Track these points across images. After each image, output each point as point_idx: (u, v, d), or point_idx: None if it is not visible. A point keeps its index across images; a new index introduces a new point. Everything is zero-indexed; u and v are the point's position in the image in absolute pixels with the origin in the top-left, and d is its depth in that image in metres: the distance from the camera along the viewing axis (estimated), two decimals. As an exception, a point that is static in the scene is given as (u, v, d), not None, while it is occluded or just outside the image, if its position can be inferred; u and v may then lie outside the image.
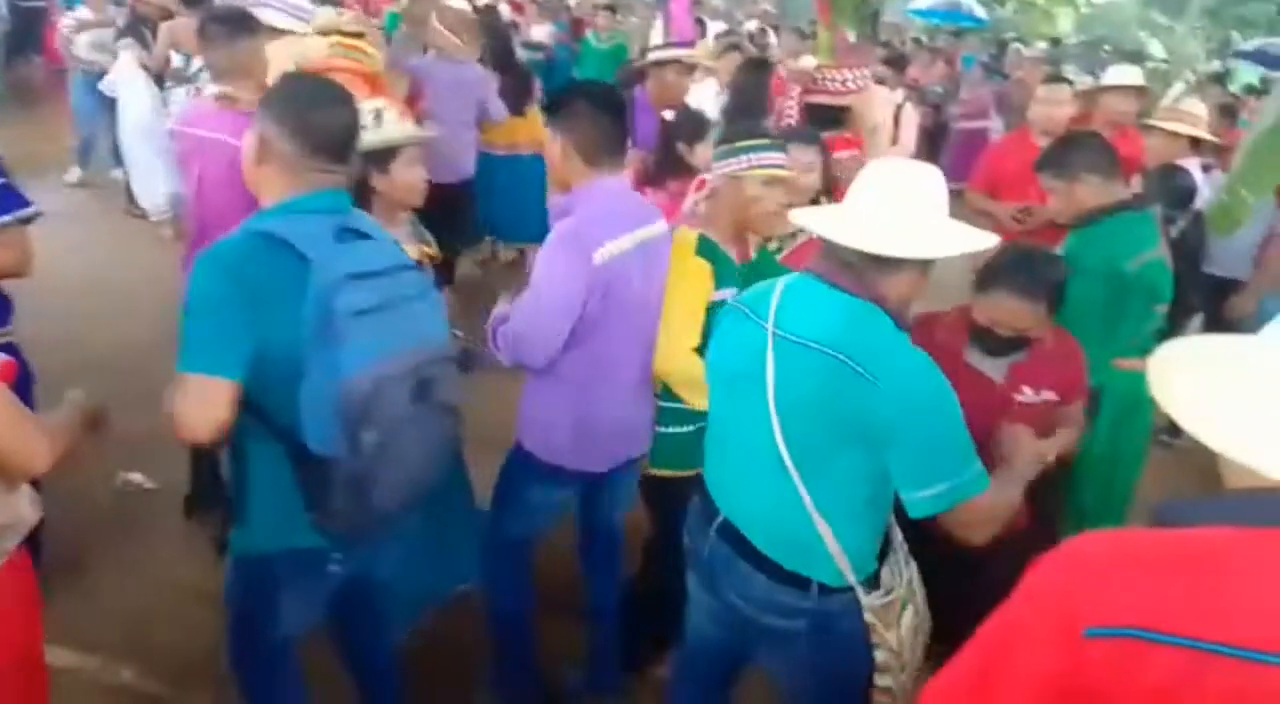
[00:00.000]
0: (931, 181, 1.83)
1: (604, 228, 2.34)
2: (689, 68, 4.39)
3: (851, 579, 1.86)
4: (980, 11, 13.24)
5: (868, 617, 1.87)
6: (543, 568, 2.81)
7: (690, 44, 4.59)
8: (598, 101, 2.41)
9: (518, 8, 9.45)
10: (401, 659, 2.48)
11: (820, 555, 1.84)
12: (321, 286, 1.75)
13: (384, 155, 2.54)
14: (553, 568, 2.91)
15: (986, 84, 9.74)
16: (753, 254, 2.76)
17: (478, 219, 5.76)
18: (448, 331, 2.07)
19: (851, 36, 4.81)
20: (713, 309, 2.53)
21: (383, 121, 2.56)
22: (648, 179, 3.49)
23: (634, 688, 2.89)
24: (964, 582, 1.89)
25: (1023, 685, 1.08)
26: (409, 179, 2.59)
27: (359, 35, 4.02)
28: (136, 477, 3.70)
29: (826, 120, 4.11)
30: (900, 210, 1.80)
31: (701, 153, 3.21)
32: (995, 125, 9.08)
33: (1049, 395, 2.47)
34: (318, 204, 1.86)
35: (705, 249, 2.58)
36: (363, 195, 2.52)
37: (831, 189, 3.26)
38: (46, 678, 2.02)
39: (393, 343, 1.83)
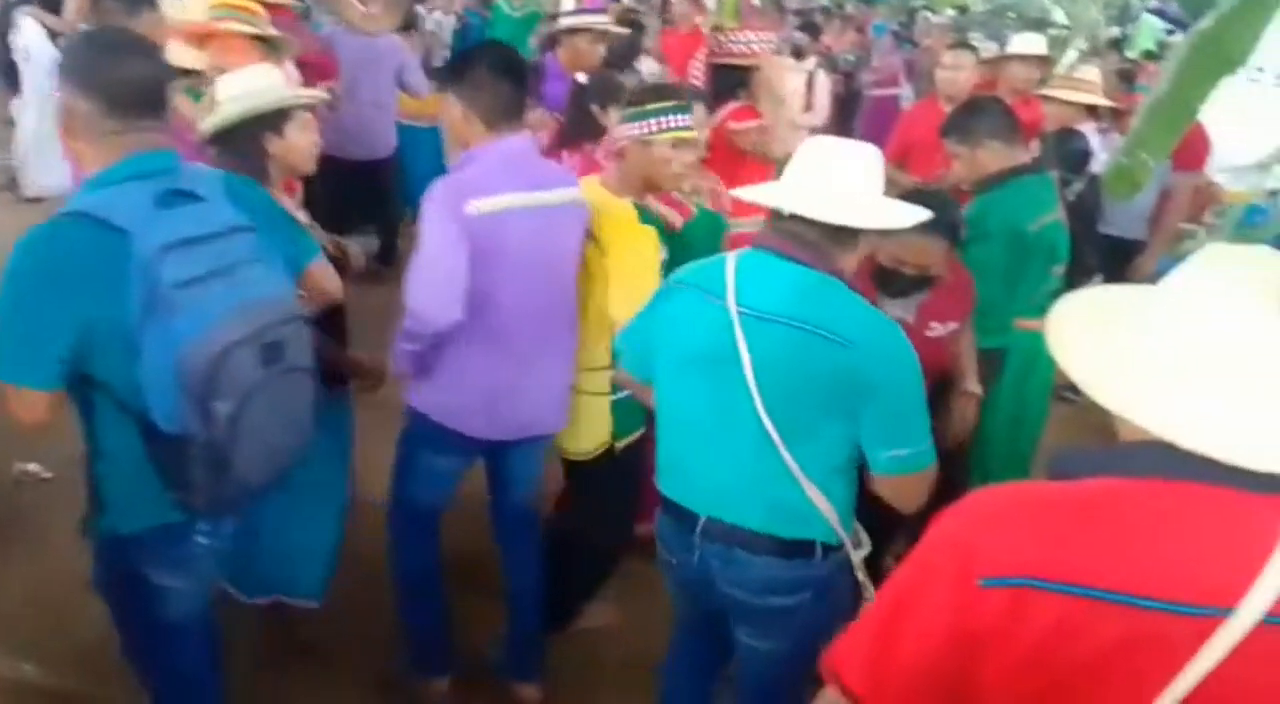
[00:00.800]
0: (874, 158, 1.91)
1: (483, 183, 2.34)
2: (601, 34, 4.37)
3: (843, 535, 1.91)
4: (889, -22, 13.37)
5: (859, 574, 1.94)
6: (467, 545, 2.80)
7: (601, 11, 4.56)
8: (497, 65, 2.39)
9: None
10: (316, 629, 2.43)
11: (816, 519, 1.88)
12: (143, 258, 1.67)
13: (276, 118, 2.46)
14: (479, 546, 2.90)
15: (897, 52, 9.86)
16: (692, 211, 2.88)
17: (399, 195, 5.64)
18: (291, 291, 2.03)
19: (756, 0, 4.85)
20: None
21: (270, 84, 2.50)
22: (562, 141, 3.48)
23: (553, 670, 2.88)
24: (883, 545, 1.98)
25: (926, 634, 1.10)
26: (302, 143, 2.51)
27: None
28: (33, 467, 3.57)
29: (732, 83, 4.12)
30: (852, 185, 1.86)
31: (614, 115, 3.21)
32: (906, 93, 9.21)
33: (953, 325, 2.66)
34: (135, 169, 1.75)
35: (645, 216, 2.64)
36: (258, 162, 2.47)
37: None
38: None
39: (229, 308, 1.76)
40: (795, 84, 6.56)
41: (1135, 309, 1.15)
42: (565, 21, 4.32)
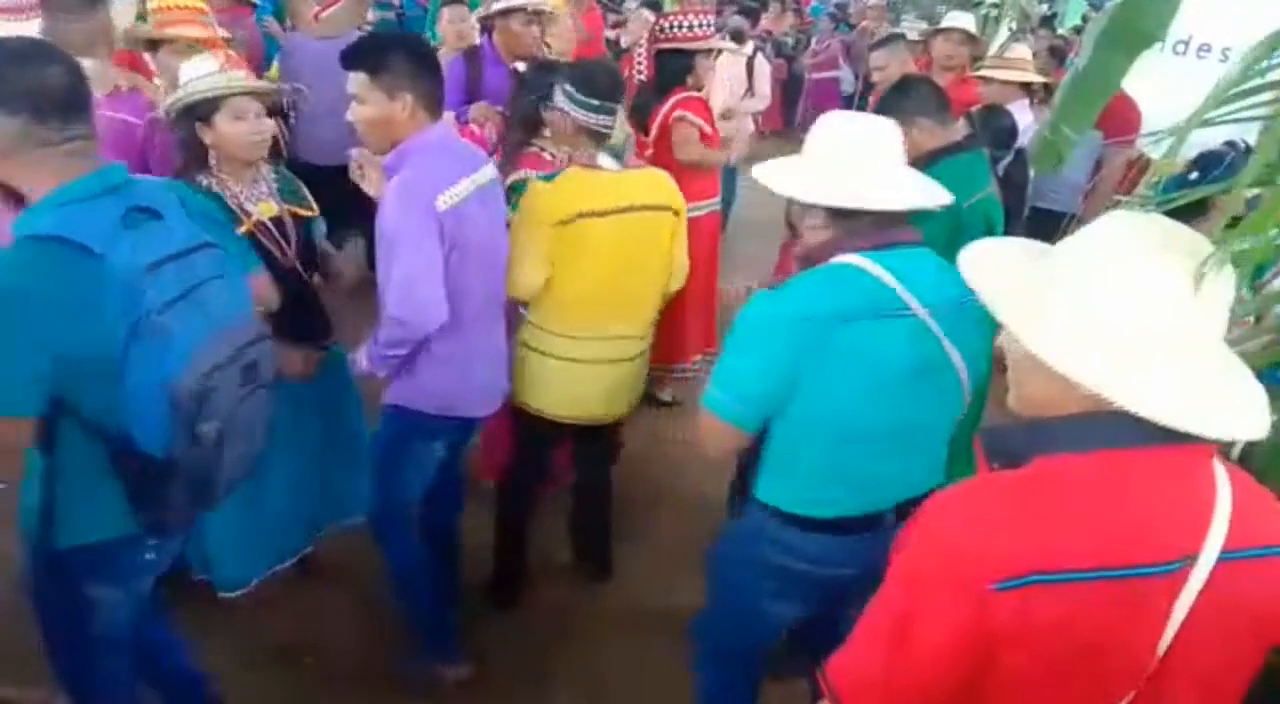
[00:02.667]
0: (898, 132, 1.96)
1: (442, 176, 2.33)
2: (534, 15, 4.28)
3: None
4: (825, -40, 13.47)
5: None
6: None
7: None
8: (423, 53, 2.39)
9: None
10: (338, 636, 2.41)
11: None
12: (122, 282, 1.64)
13: (204, 108, 2.46)
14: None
15: (834, 34, 9.96)
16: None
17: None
18: (251, 307, 2.02)
19: None
20: None
21: (197, 74, 2.49)
22: (509, 148, 3.42)
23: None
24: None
25: (937, 646, 1.12)
26: (235, 131, 2.49)
27: None
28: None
29: (678, 69, 4.15)
30: (899, 163, 1.92)
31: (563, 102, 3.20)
32: (845, 75, 9.32)
33: None
34: (93, 186, 1.69)
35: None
36: (198, 151, 2.49)
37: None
38: None
39: (207, 330, 1.75)
40: (735, 69, 6.61)
41: (1066, 281, 1.18)
42: (497, 4, 4.25)
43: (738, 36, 6.90)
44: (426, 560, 2.73)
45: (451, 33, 4.95)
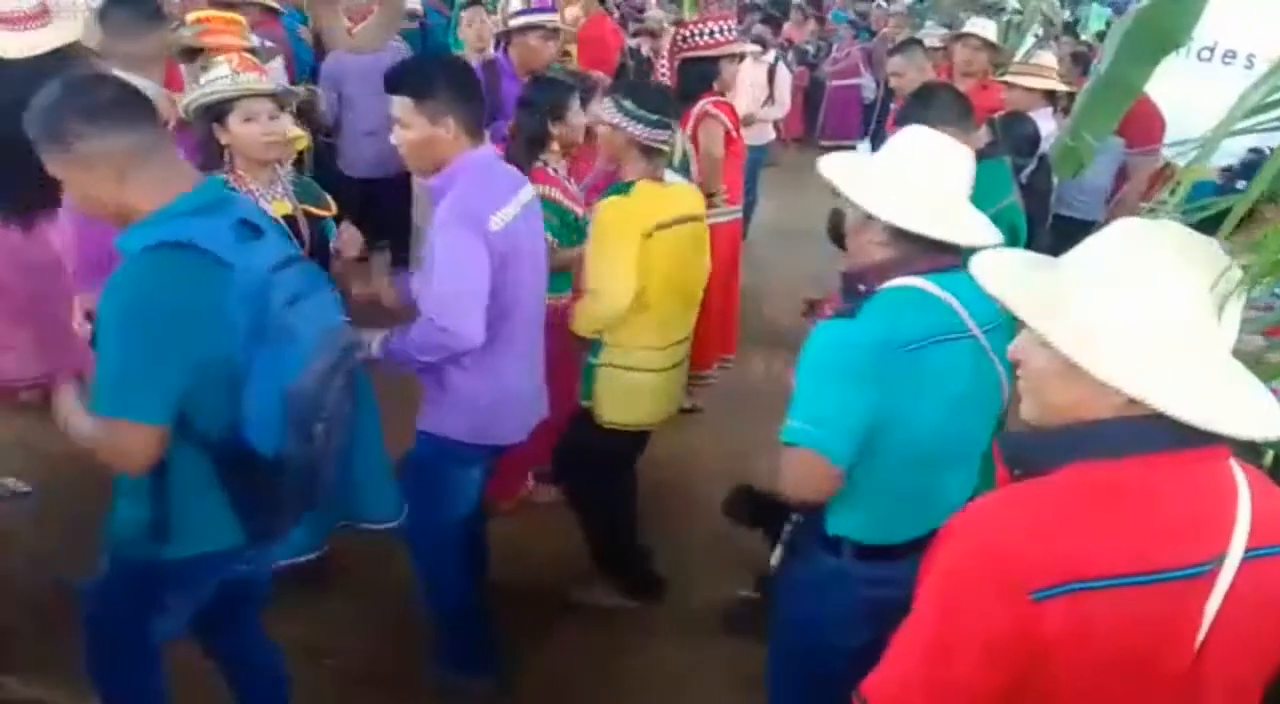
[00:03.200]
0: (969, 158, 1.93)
1: (492, 197, 2.36)
2: (552, 32, 4.34)
3: None
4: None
5: None
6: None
7: (550, 9, 4.53)
8: (464, 76, 2.40)
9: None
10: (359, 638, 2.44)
11: None
12: (249, 289, 1.70)
13: (218, 109, 2.53)
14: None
15: (855, 42, 9.96)
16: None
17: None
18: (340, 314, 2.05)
19: None
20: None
21: (210, 77, 2.56)
22: (519, 162, 3.44)
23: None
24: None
25: (983, 655, 1.11)
26: (247, 132, 2.56)
27: (232, 6, 3.91)
28: (9, 481, 3.55)
29: (703, 77, 4.16)
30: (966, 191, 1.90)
31: (573, 120, 3.22)
32: (867, 82, 9.32)
33: None
34: (207, 197, 1.77)
35: None
36: (214, 149, 2.56)
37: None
38: None
39: (317, 332, 1.81)
40: (757, 76, 6.63)
41: (1089, 285, 1.18)
42: (515, 21, 4.29)
43: (760, 44, 6.91)
44: (463, 577, 2.73)
45: (471, 35, 5.03)
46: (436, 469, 2.57)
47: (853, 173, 1.88)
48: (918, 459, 1.82)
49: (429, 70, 2.39)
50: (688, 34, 4.22)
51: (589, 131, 3.49)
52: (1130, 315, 1.13)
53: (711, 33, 4.15)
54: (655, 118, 2.79)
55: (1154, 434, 1.11)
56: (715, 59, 4.17)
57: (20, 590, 3.00)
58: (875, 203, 1.80)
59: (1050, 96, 4.49)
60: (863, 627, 1.86)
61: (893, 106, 5.12)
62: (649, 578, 3.24)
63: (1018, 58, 4.72)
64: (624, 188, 2.80)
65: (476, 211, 2.30)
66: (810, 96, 9.59)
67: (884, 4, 12.27)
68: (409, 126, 2.34)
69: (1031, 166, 3.80)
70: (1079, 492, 1.13)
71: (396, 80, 2.35)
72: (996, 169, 3.10)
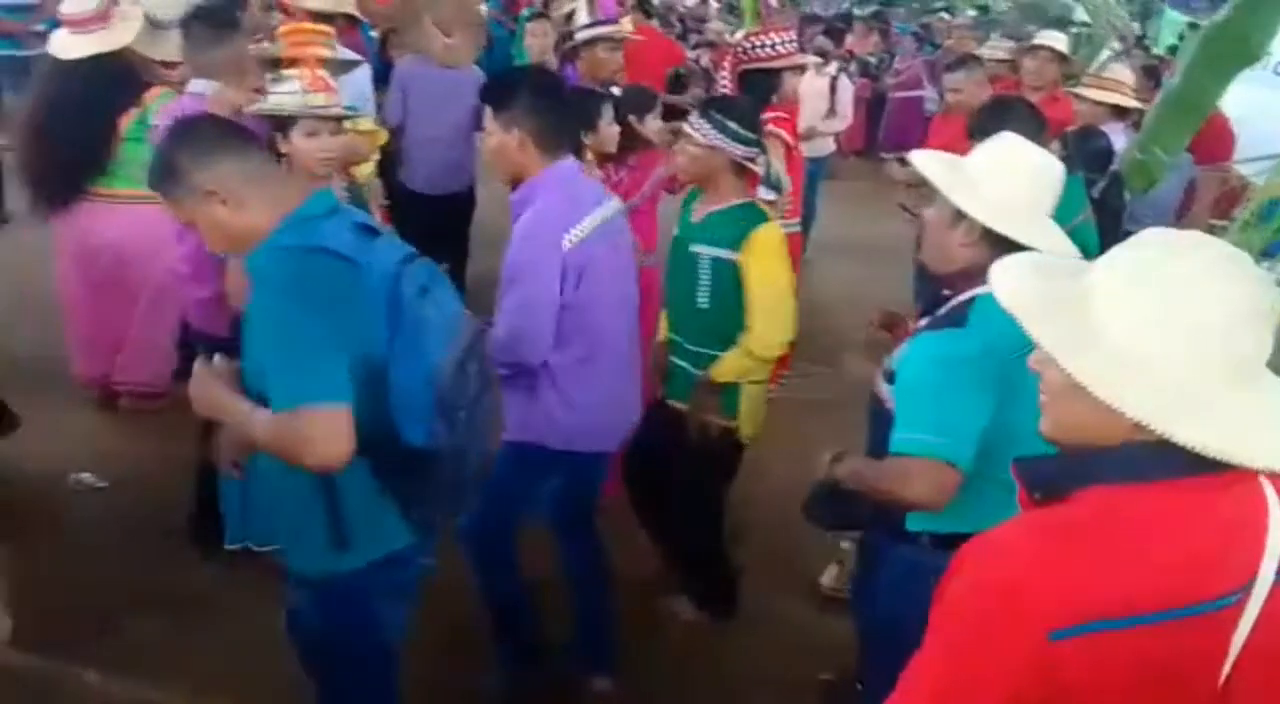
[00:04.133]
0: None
1: (569, 213, 2.39)
2: (618, 43, 4.41)
3: None
4: (911, -21, 13.39)
5: None
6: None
7: (614, 20, 4.60)
8: (544, 89, 2.44)
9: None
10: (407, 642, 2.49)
11: None
12: (383, 283, 1.78)
13: (283, 121, 2.62)
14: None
15: (919, 54, 9.88)
16: None
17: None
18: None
19: (774, 0, 4.82)
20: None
21: (280, 89, 2.65)
22: (607, 156, 3.56)
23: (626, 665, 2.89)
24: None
25: (990, 697, 1.06)
26: (306, 148, 2.65)
27: (328, 18, 4.03)
28: (87, 476, 3.67)
29: (763, 88, 4.16)
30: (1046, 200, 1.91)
31: (651, 124, 3.29)
32: (929, 95, 9.22)
33: None
34: (324, 205, 1.85)
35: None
36: (274, 159, 2.59)
37: None
38: None
39: (450, 322, 1.88)
40: (819, 89, 6.61)
41: (1110, 302, 1.10)
42: (583, 34, 4.36)
43: (821, 56, 6.90)
44: (518, 583, 2.74)
45: (536, 46, 5.10)
46: (512, 475, 2.59)
47: (948, 171, 1.88)
48: (1001, 458, 1.79)
49: (511, 80, 2.52)
50: (748, 45, 4.22)
51: (646, 143, 3.56)
52: (1148, 334, 1.06)
53: (772, 44, 4.14)
54: (754, 137, 2.81)
55: (1177, 459, 1.04)
56: (776, 71, 4.17)
57: (118, 583, 3.11)
58: (970, 202, 1.81)
59: (1121, 111, 4.42)
60: None
61: (946, 118, 5.05)
62: (731, 593, 3.20)
63: (1090, 70, 4.64)
64: (758, 213, 2.86)
65: (551, 228, 2.35)
66: (872, 109, 9.53)
67: (948, 16, 12.16)
68: (489, 134, 2.45)
69: (1104, 183, 3.74)
70: (1098, 520, 1.07)
71: (486, 89, 2.49)
72: (1069, 185, 3.05)
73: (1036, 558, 1.05)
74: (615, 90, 4.00)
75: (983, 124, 3.08)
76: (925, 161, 1.90)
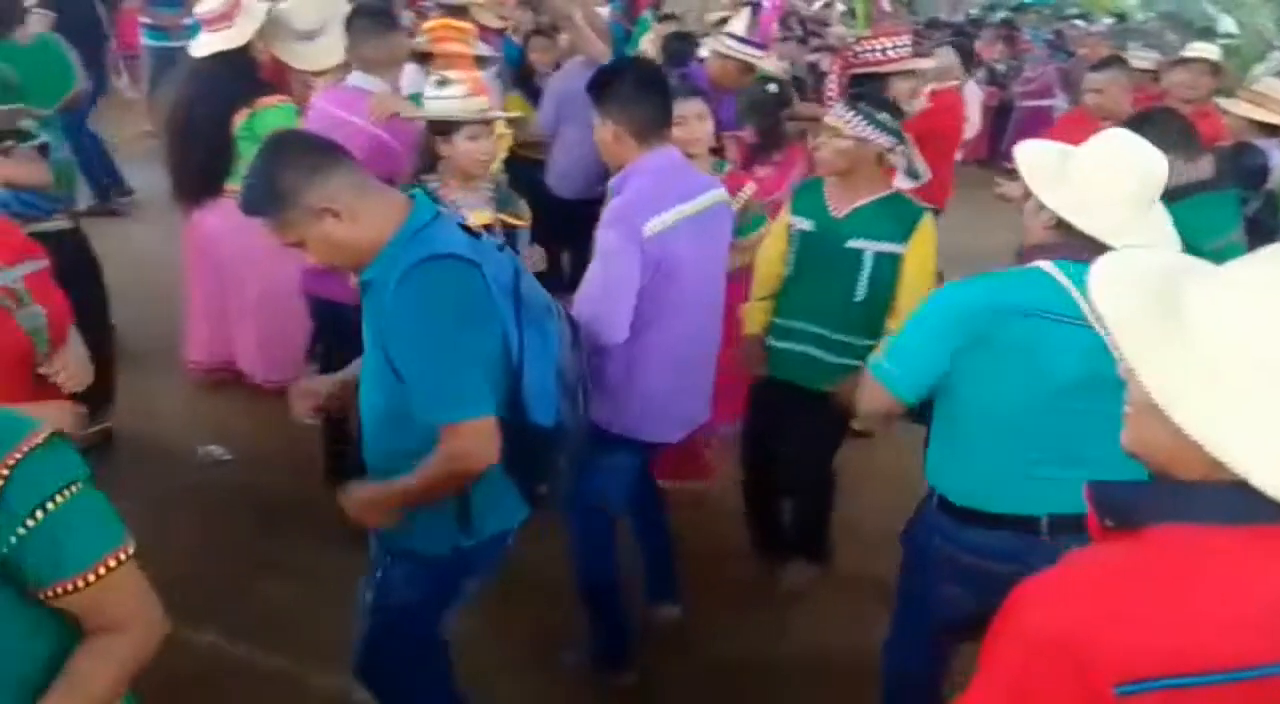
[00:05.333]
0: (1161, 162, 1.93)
1: (653, 203, 2.42)
2: (751, 67, 4.41)
3: None
4: (1042, -14, 12.98)
5: None
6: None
7: (765, 47, 4.63)
8: (644, 82, 2.48)
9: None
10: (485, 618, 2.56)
11: None
12: (503, 279, 1.85)
13: (446, 125, 2.69)
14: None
15: (1051, 62, 9.56)
16: None
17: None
18: None
19: (887, 4, 4.69)
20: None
21: (444, 94, 2.70)
22: (754, 155, 3.64)
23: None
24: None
25: None
26: (469, 150, 2.73)
27: (463, 10, 4.15)
28: (215, 449, 3.83)
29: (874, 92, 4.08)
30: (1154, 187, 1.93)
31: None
32: (1060, 103, 8.94)
33: None
34: (430, 212, 1.87)
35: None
36: (431, 160, 2.73)
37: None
38: None
39: (552, 306, 1.99)
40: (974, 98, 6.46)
41: (1214, 321, 0.99)
42: (734, 47, 4.33)
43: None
44: (611, 568, 2.80)
45: (652, 49, 5.15)
46: (612, 458, 2.66)
47: (1042, 161, 1.99)
48: (1002, 428, 1.96)
49: (610, 72, 2.57)
50: (858, 50, 4.15)
51: (788, 140, 3.62)
52: (1255, 378, 0.95)
53: (884, 49, 4.07)
54: (898, 128, 2.85)
55: (1263, 504, 0.94)
56: (885, 76, 4.08)
57: (244, 552, 3.25)
58: (1047, 193, 1.93)
59: (1271, 128, 4.17)
60: (970, 598, 2.04)
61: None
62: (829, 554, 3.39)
63: (1245, 85, 4.40)
64: (913, 204, 2.91)
65: (633, 215, 2.39)
66: (998, 117, 9.26)
67: (1081, 23, 11.74)
68: (595, 126, 2.51)
69: (1258, 202, 3.53)
70: (1173, 565, 0.97)
71: (589, 83, 2.54)
72: (1222, 202, 2.90)
73: (1104, 604, 0.97)
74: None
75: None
76: (1024, 150, 2.01)
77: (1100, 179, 1.90)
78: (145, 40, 7.51)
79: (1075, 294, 1.85)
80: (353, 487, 1.94)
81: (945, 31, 8.90)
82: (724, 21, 5.10)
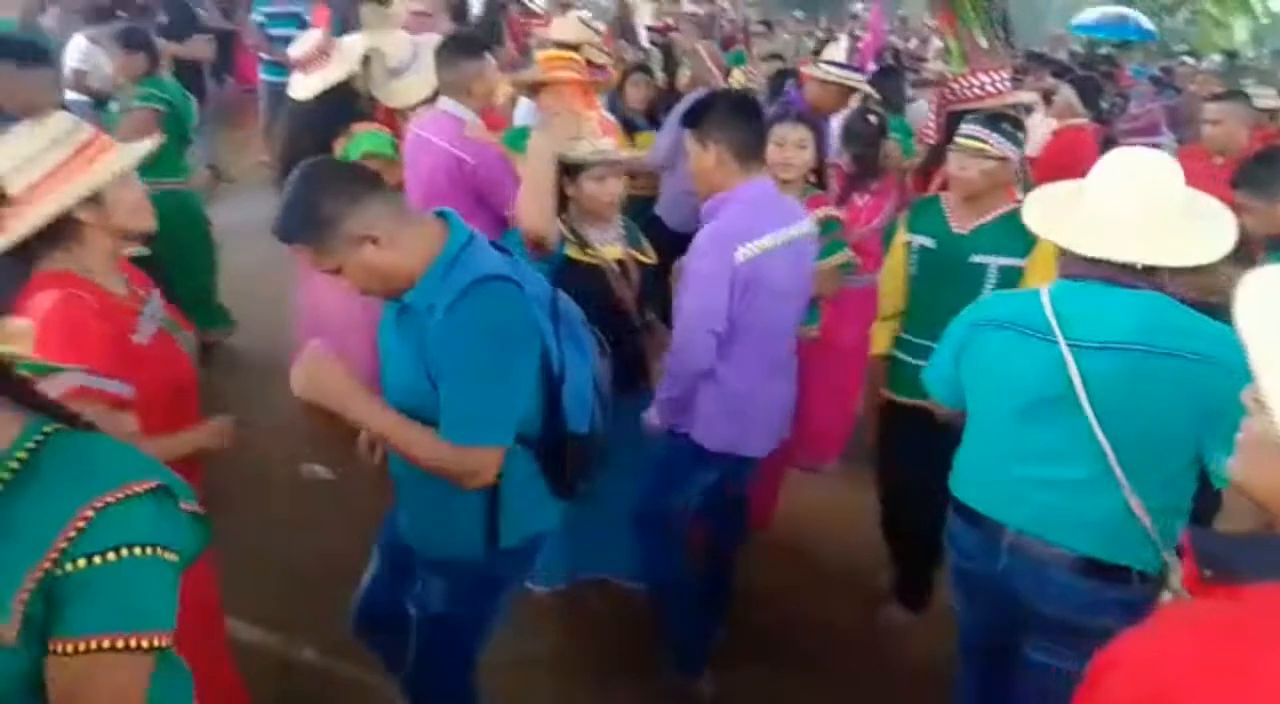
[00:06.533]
0: (1177, 173, 1.91)
1: (746, 228, 2.47)
2: (849, 91, 4.48)
3: (1168, 559, 1.90)
4: (1148, 24, 12.64)
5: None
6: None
7: (864, 71, 4.73)
8: (741, 107, 2.55)
9: (669, 28, 9.59)
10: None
11: (1144, 547, 1.89)
12: (544, 296, 1.92)
13: (574, 168, 2.74)
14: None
15: (1157, 99, 9.30)
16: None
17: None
18: None
19: (983, 41, 4.60)
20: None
21: (579, 136, 2.77)
22: (852, 184, 3.72)
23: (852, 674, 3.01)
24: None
25: None
26: (594, 192, 2.79)
27: (575, 47, 4.24)
28: (320, 469, 3.93)
29: None
30: (1164, 205, 1.87)
31: (890, 148, 3.38)
32: (1167, 141, 8.67)
33: None
34: (466, 235, 1.90)
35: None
36: (562, 199, 2.79)
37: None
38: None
39: (579, 316, 2.10)
40: (1045, 132, 6.32)
41: None
42: (833, 72, 4.37)
43: (1048, 99, 6.59)
44: (680, 573, 2.84)
45: (743, 78, 5.23)
46: (671, 462, 2.75)
47: (1049, 200, 2.06)
48: (985, 431, 2.11)
49: (707, 101, 2.63)
50: (956, 87, 4.10)
51: (884, 169, 3.79)
52: None
53: (980, 85, 4.01)
54: (1023, 142, 2.94)
55: None
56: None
57: (347, 568, 3.31)
58: (1034, 212, 2.03)
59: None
60: (963, 600, 2.23)
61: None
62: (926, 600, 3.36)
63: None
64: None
65: (725, 241, 2.45)
66: (1103, 153, 9.03)
67: (1191, 60, 11.40)
68: (689, 153, 2.57)
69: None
70: (1274, 627, 0.91)
71: (685, 113, 2.61)
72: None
73: (1202, 666, 0.93)
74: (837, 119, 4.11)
75: (1253, 174, 2.86)
76: (1032, 197, 2.09)
77: (1102, 199, 1.92)
78: (263, 76, 7.87)
79: (1049, 311, 1.93)
80: (328, 355, 1.90)
81: (1047, 68, 8.74)
82: (821, 51, 5.15)
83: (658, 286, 3.04)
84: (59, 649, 1.14)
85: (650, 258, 3.00)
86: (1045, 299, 1.96)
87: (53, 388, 1.51)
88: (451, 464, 1.83)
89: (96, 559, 1.14)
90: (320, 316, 4.06)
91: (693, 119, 2.57)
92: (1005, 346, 2.02)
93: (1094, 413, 1.85)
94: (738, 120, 2.51)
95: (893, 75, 5.84)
